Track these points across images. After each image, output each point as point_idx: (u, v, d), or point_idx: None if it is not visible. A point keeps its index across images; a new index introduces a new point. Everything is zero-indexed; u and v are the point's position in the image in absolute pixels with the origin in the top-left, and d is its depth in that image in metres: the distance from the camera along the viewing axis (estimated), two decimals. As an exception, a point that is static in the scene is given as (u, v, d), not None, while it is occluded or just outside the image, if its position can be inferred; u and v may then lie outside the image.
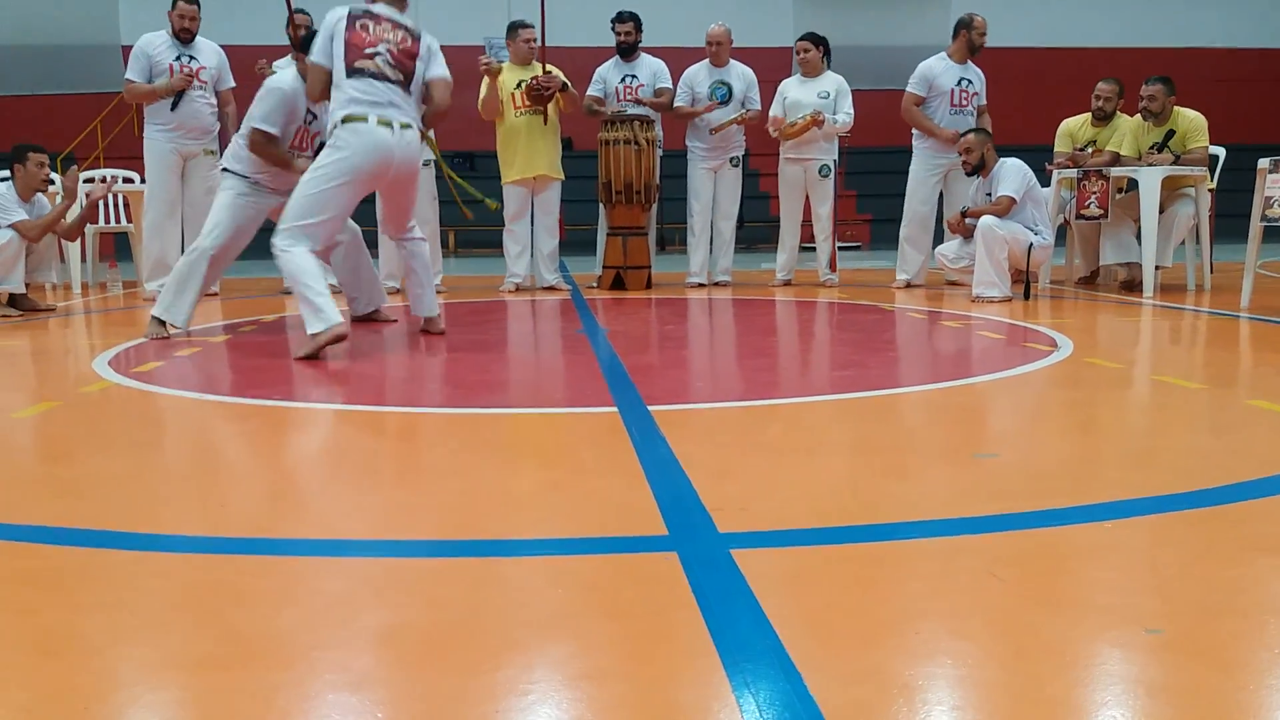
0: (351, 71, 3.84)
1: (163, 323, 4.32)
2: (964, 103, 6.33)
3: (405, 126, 3.89)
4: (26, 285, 5.53)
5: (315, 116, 4.41)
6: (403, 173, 3.97)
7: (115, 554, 1.69)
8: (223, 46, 6.34)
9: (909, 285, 6.45)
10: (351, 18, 3.92)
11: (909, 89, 6.41)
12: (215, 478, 2.24)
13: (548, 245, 6.52)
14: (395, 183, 4.03)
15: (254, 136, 4.23)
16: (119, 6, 13.74)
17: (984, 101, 6.45)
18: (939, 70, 6.37)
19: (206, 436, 2.70)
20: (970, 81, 6.36)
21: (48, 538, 1.75)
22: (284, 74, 4.41)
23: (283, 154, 4.30)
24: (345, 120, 3.80)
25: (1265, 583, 1.49)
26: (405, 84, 3.95)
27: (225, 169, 4.42)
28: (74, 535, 1.76)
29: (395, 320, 4.83)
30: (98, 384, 3.27)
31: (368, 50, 3.87)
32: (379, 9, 3.99)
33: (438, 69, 4.09)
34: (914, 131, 6.48)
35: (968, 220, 5.80)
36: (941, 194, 6.48)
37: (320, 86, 3.93)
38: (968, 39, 6.36)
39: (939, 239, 6.28)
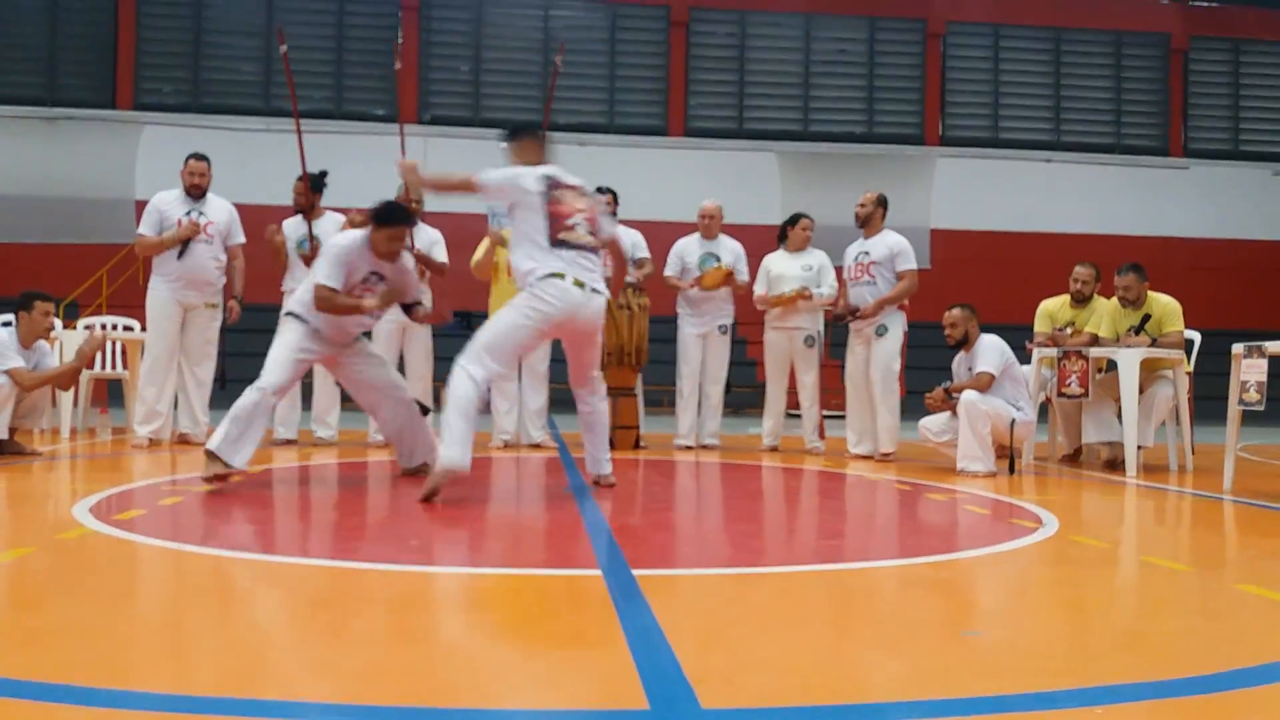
0: (556, 243, 4.14)
1: (221, 460, 4.12)
2: (858, 275, 6.36)
3: (596, 291, 4.19)
4: (13, 430, 5.51)
5: (381, 278, 4.62)
6: (585, 329, 4.26)
7: (74, 710, 1.62)
8: (236, 206, 6.58)
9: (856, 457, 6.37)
10: (549, 188, 4.20)
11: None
12: (185, 633, 2.18)
13: (535, 402, 6.58)
14: (579, 336, 4.30)
15: (318, 293, 4.43)
16: (136, 165, 14.32)
17: (899, 268, 6.25)
18: (848, 248, 6.54)
19: (180, 589, 2.64)
20: (867, 253, 6.35)
21: (5, 691, 1.69)
22: (349, 234, 4.67)
23: (347, 301, 4.49)
24: (548, 275, 4.10)
25: (1261, 775, 1.45)
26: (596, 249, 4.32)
27: (290, 313, 4.58)
28: (33, 689, 1.70)
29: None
30: (75, 530, 3.22)
31: (569, 221, 4.19)
32: (557, 174, 4.28)
33: (610, 228, 4.53)
34: None
35: (950, 396, 5.88)
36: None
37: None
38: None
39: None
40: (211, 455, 4.13)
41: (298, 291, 4.72)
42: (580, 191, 4.32)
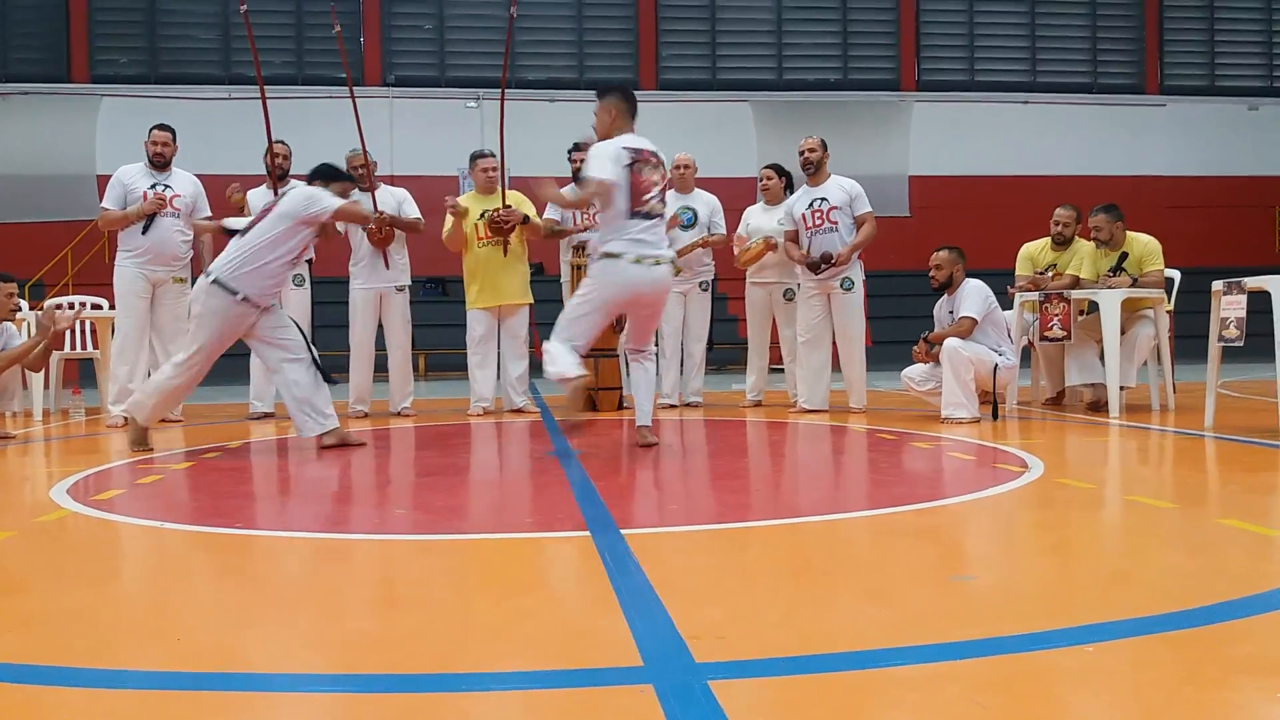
0: (633, 214, 4.32)
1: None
2: (818, 222, 6.17)
3: (657, 263, 4.36)
4: (-15, 413, 5.43)
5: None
6: (649, 300, 4.45)
7: (65, 692, 1.60)
8: (200, 177, 6.45)
9: (805, 411, 6.17)
10: (632, 161, 4.34)
11: (785, 227, 6.45)
12: (172, 610, 2.15)
13: (516, 368, 6.54)
14: (641, 307, 4.50)
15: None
16: (96, 139, 14.02)
17: (857, 211, 6.14)
18: (794, 200, 6.38)
19: (164, 567, 2.62)
20: (824, 199, 6.18)
21: (-8, 676, 1.66)
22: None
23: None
24: (604, 256, 4.34)
25: (1251, 706, 1.46)
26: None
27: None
28: (22, 672, 1.68)
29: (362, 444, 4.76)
30: (54, 513, 3.18)
31: (645, 197, 4.35)
32: (637, 144, 4.42)
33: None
34: None
35: (931, 346, 5.86)
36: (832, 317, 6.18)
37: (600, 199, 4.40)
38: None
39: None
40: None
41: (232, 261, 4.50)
42: (656, 162, 4.45)
